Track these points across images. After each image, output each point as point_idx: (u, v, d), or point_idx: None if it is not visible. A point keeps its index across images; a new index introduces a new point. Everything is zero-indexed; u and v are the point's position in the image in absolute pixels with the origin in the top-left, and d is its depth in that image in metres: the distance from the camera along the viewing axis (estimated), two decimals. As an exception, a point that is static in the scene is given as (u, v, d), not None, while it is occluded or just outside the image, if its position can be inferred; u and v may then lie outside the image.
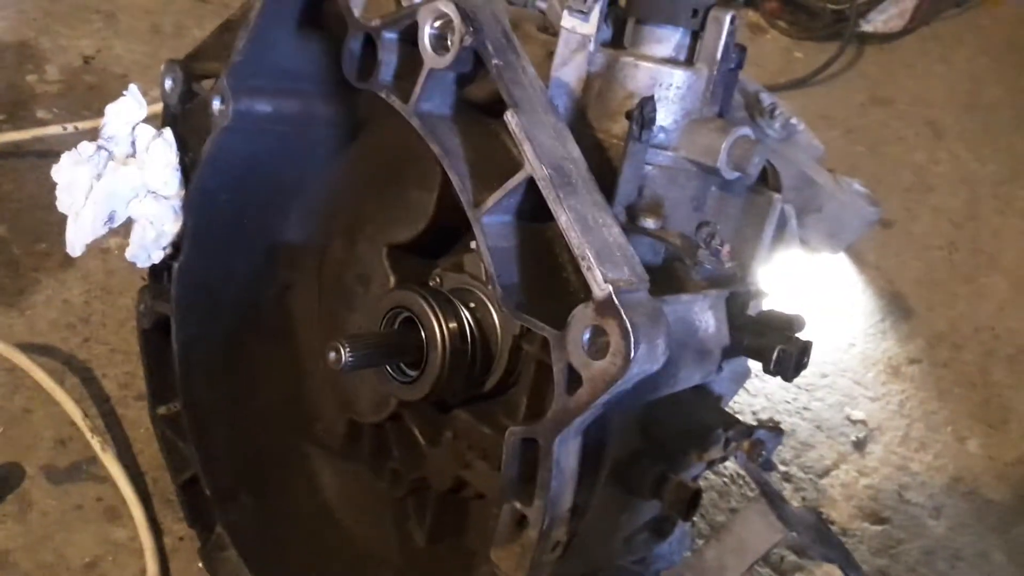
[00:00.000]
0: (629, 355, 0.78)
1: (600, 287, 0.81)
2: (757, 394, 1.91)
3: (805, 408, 1.93)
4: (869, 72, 3.00)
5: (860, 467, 1.84)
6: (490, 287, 1.17)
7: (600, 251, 0.83)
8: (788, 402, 1.93)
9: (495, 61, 0.90)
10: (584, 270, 0.82)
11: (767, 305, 1.19)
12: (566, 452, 0.87)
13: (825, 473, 1.81)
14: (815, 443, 1.86)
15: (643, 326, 0.79)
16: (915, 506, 1.79)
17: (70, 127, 1.94)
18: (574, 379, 0.83)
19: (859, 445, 1.88)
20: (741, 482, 1.73)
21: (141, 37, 2.40)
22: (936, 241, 2.43)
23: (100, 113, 2.00)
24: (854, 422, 1.93)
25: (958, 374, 2.09)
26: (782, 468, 1.80)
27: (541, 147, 0.87)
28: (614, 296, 0.80)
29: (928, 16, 3.19)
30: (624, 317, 0.78)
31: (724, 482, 1.72)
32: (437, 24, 0.93)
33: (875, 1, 3.02)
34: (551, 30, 1.34)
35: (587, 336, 0.81)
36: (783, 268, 1.28)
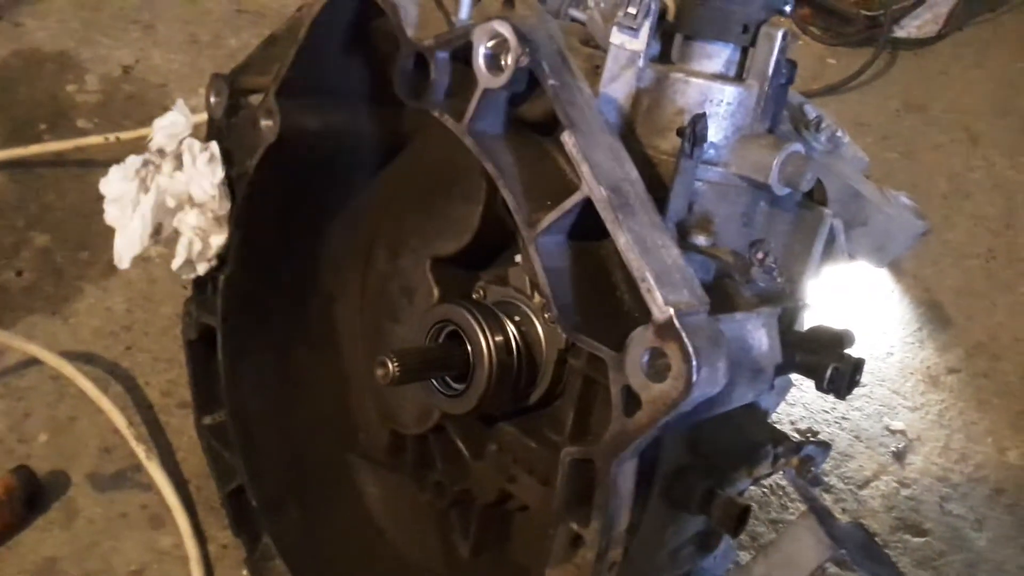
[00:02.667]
0: (691, 379, 0.78)
1: (661, 310, 0.81)
2: (795, 404, 1.90)
3: (843, 418, 1.92)
4: (903, 78, 2.97)
5: (900, 478, 1.83)
6: (535, 300, 1.19)
7: (660, 273, 0.82)
8: (826, 412, 1.92)
9: (551, 82, 0.90)
10: (644, 292, 0.82)
11: (809, 317, 1.19)
12: (623, 473, 0.87)
13: (865, 484, 1.80)
14: (854, 453, 1.85)
15: (704, 350, 0.79)
16: (956, 518, 1.78)
17: (112, 137, 1.96)
18: (632, 401, 0.83)
19: (899, 456, 1.87)
20: (781, 493, 1.72)
21: (179, 47, 2.42)
22: (974, 249, 2.40)
23: (140, 123, 2.06)
24: (893, 432, 1.92)
25: (998, 384, 2.07)
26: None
27: (599, 168, 0.87)
28: (675, 319, 0.79)
29: (962, 21, 3.16)
30: (686, 341, 0.78)
31: (764, 493, 1.72)
32: (491, 44, 0.93)
33: (909, 6, 2.99)
34: (592, 43, 1.34)
35: (646, 359, 0.81)
36: (826, 280, 1.28)
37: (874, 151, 2.59)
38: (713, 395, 0.83)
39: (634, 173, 0.91)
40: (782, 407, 1.87)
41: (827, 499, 1.75)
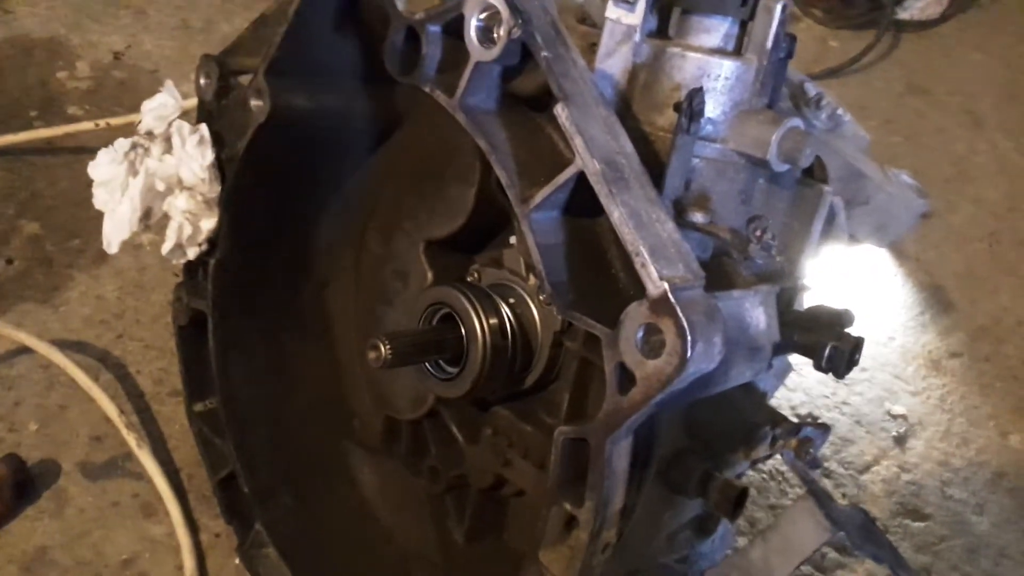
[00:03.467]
0: (686, 354, 0.76)
1: (655, 284, 0.79)
2: (795, 389, 1.89)
3: (844, 403, 1.90)
4: (906, 61, 2.95)
5: (901, 463, 1.81)
6: (531, 282, 1.17)
7: (654, 247, 0.80)
8: (827, 397, 1.90)
9: (544, 53, 0.88)
10: (638, 267, 0.80)
11: (808, 299, 1.17)
12: (618, 452, 0.85)
13: (866, 469, 1.78)
14: (855, 438, 1.84)
15: (700, 324, 0.77)
16: (958, 502, 1.76)
17: (102, 123, 1.95)
18: (627, 378, 0.81)
19: (900, 440, 1.85)
20: (780, 478, 1.71)
21: (170, 33, 2.41)
22: (977, 233, 2.39)
23: (131, 109, 2.04)
24: (894, 417, 1.90)
25: (1000, 368, 2.05)
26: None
27: (592, 141, 0.85)
28: (670, 294, 0.77)
29: (965, 3, 3.14)
30: (680, 315, 0.76)
31: (763, 478, 1.70)
32: (483, 16, 0.91)
33: (912, -12, 2.97)
34: (589, 20, 1.32)
35: (640, 335, 0.79)
36: (825, 261, 1.26)
37: (877, 135, 2.56)
38: (709, 372, 0.81)
39: (629, 147, 0.89)
40: (782, 392, 1.85)
41: (827, 484, 1.73)
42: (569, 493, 0.90)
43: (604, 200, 0.83)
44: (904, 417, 1.90)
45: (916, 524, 1.71)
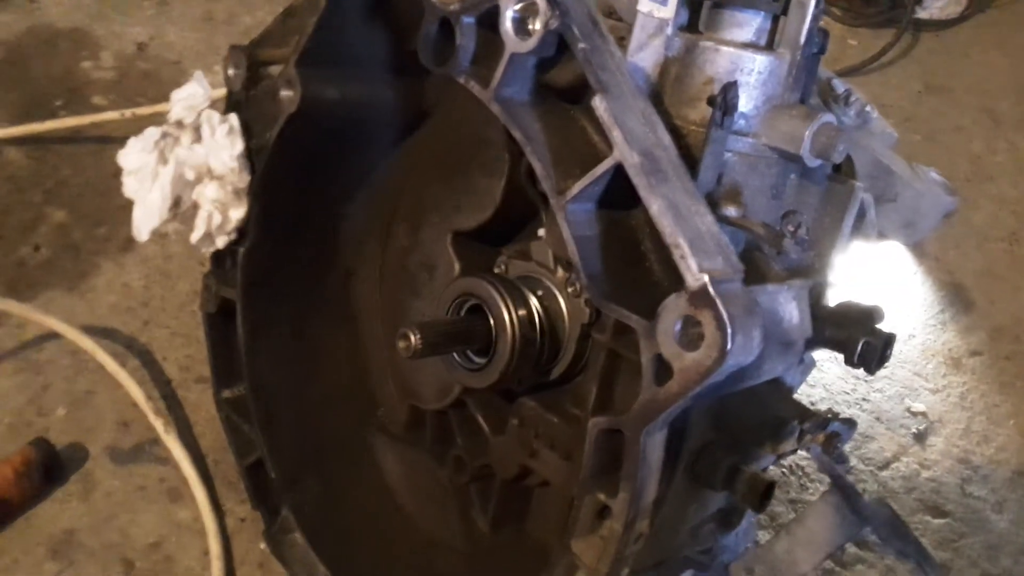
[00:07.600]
0: (725, 347, 0.76)
1: (695, 277, 0.79)
2: (816, 385, 1.89)
3: (864, 399, 1.90)
4: (925, 59, 2.94)
5: (921, 460, 1.81)
6: (559, 275, 1.18)
7: (693, 240, 0.81)
8: (847, 393, 1.90)
9: (582, 45, 0.88)
10: (677, 259, 0.81)
11: (833, 295, 1.17)
12: (652, 444, 0.86)
13: (886, 465, 1.78)
14: (875, 435, 1.84)
15: (739, 318, 0.77)
16: (978, 500, 1.76)
17: (128, 113, 1.96)
18: (664, 370, 0.82)
19: (920, 437, 1.85)
20: (800, 473, 1.71)
21: (194, 24, 2.42)
22: (997, 232, 2.38)
23: (155, 100, 2.05)
24: (914, 414, 1.90)
25: (1021, 367, 2.04)
26: (841, 460, 1.78)
27: (631, 133, 0.85)
28: (710, 286, 0.78)
29: (984, 3, 3.13)
30: (721, 308, 0.77)
31: (783, 472, 1.70)
32: (519, 7, 0.91)
33: (932, -14, 2.96)
34: (615, 14, 1.32)
35: (679, 327, 0.80)
36: (853, 257, 1.26)
37: (896, 133, 2.57)
38: (744, 365, 0.82)
39: (666, 139, 0.89)
40: (802, 388, 1.85)
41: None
42: (602, 483, 0.90)
43: (643, 192, 0.84)
44: (924, 414, 1.90)
45: (936, 521, 1.71)
